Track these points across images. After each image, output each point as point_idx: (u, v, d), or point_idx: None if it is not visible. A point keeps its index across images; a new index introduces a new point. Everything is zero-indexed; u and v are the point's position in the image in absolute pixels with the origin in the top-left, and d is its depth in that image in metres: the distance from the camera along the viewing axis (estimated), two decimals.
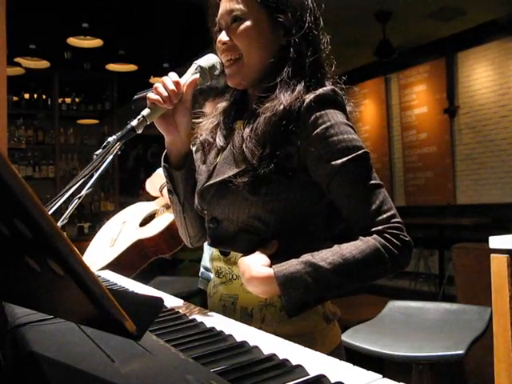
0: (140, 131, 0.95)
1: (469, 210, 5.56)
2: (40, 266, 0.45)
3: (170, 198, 1.10)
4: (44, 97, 5.97)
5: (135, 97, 1.26)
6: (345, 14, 4.55)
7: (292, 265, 0.86)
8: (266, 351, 0.67)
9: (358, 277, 0.88)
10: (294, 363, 0.62)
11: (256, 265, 0.89)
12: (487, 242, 1.28)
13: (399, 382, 0.55)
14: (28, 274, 0.50)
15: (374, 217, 0.90)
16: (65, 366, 0.60)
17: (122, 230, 2.02)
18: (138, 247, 1.85)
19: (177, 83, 0.96)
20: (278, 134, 0.93)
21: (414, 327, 1.78)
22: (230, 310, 1.01)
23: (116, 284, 1.34)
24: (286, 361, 0.63)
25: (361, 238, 0.89)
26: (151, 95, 0.95)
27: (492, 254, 1.28)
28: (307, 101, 0.93)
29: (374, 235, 0.89)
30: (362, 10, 4.87)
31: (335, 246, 0.89)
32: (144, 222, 1.97)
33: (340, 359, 0.65)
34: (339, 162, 0.91)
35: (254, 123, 0.97)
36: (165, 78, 0.97)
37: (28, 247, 0.44)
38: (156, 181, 2.01)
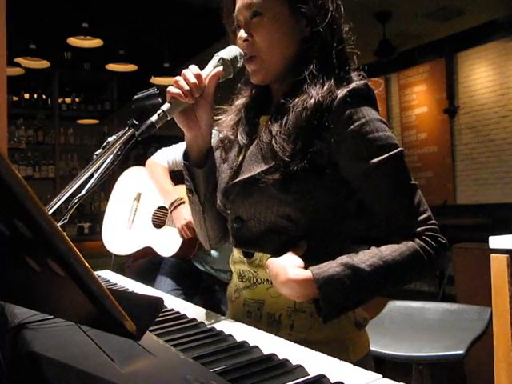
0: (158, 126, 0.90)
1: (469, 210, 5.55)
2: (40, 266, 0.45)
3: (189, 197, 1.05)
4: (44, 97, 5.97)
5: (135, 97, 1.26)
6: (345, 14, 4.53)
7: (331, 267, 0.82)
8: (266, 351, 0.67)
9: (397, 279, 0.86)
10: (293, 363, 0.62)
11: (292, 266, 0.84)
12: (487, 241, 1.28)
13: (399, 382, 0.55)
14: (28, 274, 0.50)
15: (412, 217, 0.87)
16: (65, 366, 0.60)
17: (137, 212, 2.12)
18: (152, 251, 2.02)
19: (198, 76, 0.90)
20: (309, 129, 0.89)
21: (414, 327, 1.78)
22: (256, 315, 0.96)
23: (116, 284, 1.34)
24: (285, 361, 0.63)
25: (399, 240, 0.86)
26: (171, 89, 0.89)
27: (492, 254, 1.27)
28: (341, 95, 0.89)
29: (414, 237, 0.86)
30: (362, 9, 4.87)
31: (373, 247, 0.86)
32: (158, 218, 2.03)
33: (370, 365, 0.64)
34: (376, 160, 0.87)
35: (283, 118, 0.92)
36: (186, 71, 0.91)
37: (28, 247, 0.44)
38: (156, 168, 2.09)
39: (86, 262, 0.42)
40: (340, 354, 0.68)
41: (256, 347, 0.69)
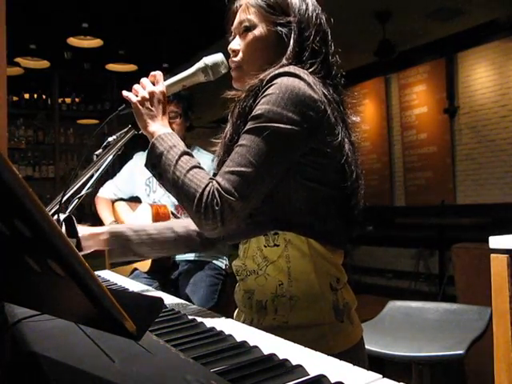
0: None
1: (469, 210, 5.55)
2: (40, 266, 0.45)
3: None
4: (44, 97, 5.96)
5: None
6: (345, 14, 4.54)
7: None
8: (266, 351, 0.67)
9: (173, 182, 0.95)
10: (293, 363, 0.62)
11: None
12: (487, 241, 1.27)
13: (399, 382, 0.55)
14: (28, 274, 0.50)
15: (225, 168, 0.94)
16: (65, 366, 0.60)
17: None
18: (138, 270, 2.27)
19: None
20: (244, 114, 1.00)
21: (414, 327, 1.78)
22: (248, 305, 1.04)
23: (116, 284, 1.35)
24: (285, 361, 0.63)
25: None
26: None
27: (492, 254, 1.27)
28: (267, 78, 0.97)
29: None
30: (361, 10, 4.87)
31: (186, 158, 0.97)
32: None
33: (356, 361, 0.65)
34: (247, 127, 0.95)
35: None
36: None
37: (28, 247, 0.44)
38: (100, 204, 2.46)
39: (86, 262, 0.42)
40: (319, 340, 0.76)
41: (256, 347, 0.69)
